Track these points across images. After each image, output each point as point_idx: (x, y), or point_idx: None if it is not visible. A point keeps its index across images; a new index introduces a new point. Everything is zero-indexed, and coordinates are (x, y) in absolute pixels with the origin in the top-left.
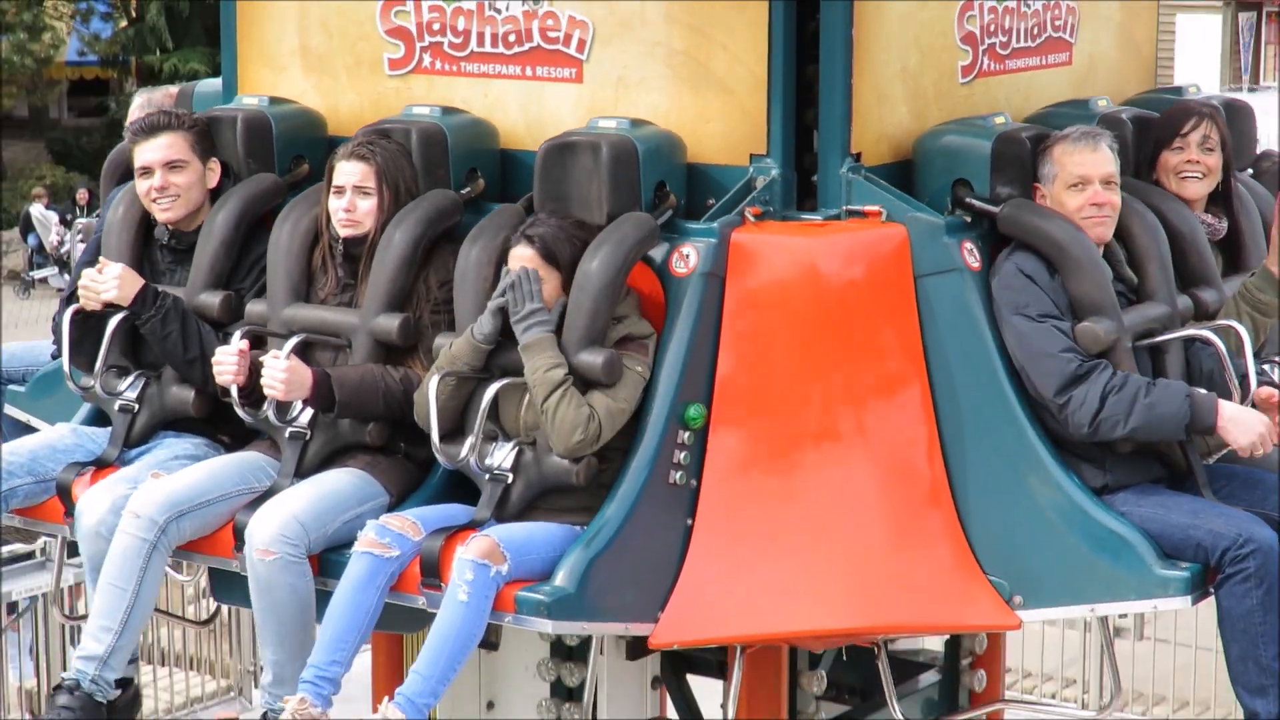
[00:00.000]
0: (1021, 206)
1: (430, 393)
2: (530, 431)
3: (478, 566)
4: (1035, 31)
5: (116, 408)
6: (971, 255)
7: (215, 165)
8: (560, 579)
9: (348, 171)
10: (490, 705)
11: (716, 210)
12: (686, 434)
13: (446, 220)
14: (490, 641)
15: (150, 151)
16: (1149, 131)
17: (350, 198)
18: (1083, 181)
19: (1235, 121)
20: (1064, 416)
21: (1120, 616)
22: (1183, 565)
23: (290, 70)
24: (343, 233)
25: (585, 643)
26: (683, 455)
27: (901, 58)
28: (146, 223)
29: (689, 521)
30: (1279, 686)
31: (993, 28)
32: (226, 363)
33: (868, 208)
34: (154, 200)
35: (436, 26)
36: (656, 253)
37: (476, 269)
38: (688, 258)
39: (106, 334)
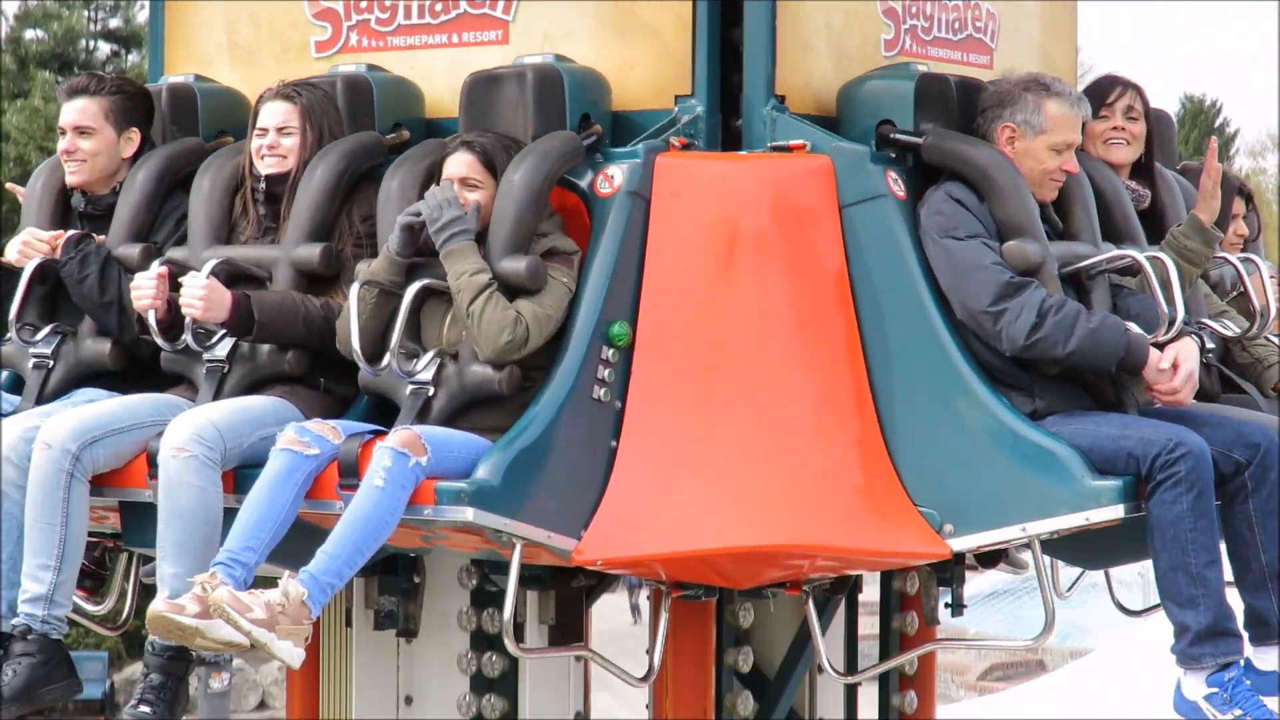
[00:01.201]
0: (945, 135)
1: (351, 299)
2: (453, 347)
3: (397, 455)
4: (957, 26)
5: (30, 365)
6: (896, 184)
7: (134, 135)
8: (482, 472)
9: (272, 111)
10: (409, 700)
11: (641, 139)
12: (611, 351)
13: (370, 159)
14: (409, 629)
15: (65, 114)
16: None
17: (274, 136)
18: (1068, 148)
19: (1159, 129)
20: (998, 329)
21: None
22: (1115, 477)
23: (216, 66)
24: (265, 170)
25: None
26: (607, 372)
27: (825, 14)
28: (66, 192)
29: (613, 444)
30: (1210, 595)
31: (914, 10)
32: (145, 287)
33: (792, 142)
34: (65, 162)
35: (364, 4)
36: (582, 180)
37: (400, 192)
38: (612, 178)
39: (21, 283)
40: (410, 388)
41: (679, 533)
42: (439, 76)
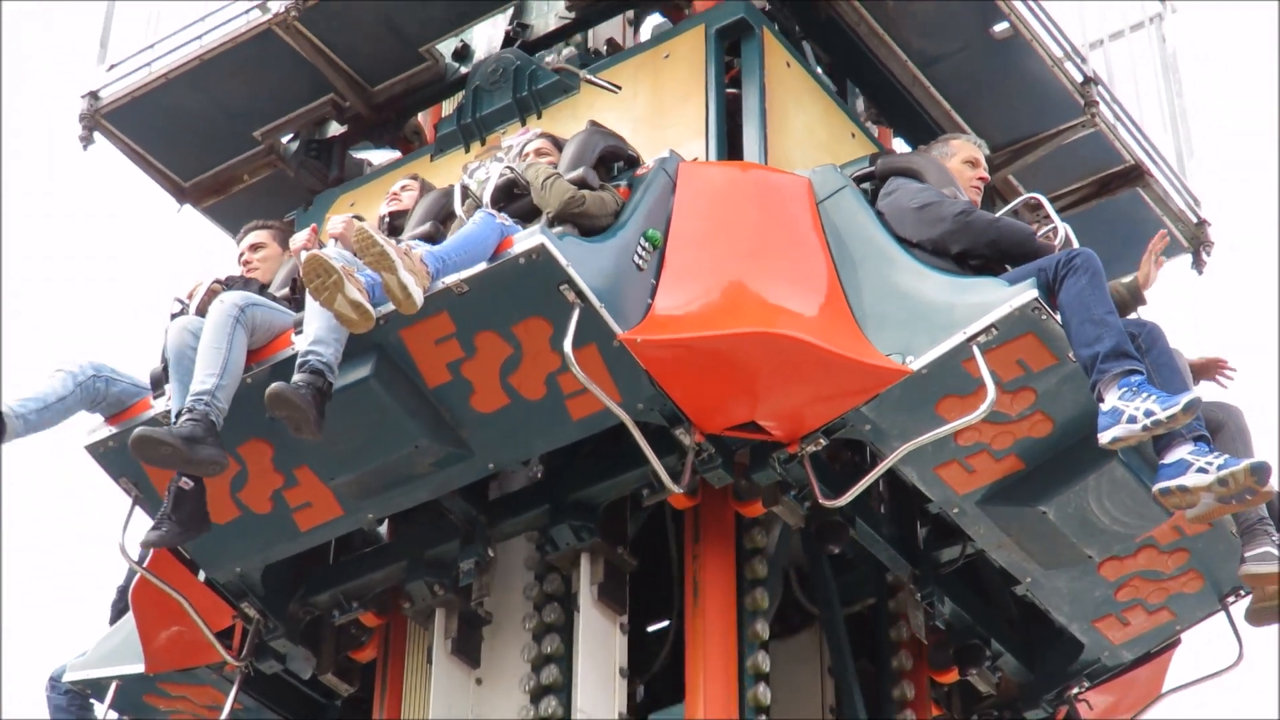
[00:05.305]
0: (889, 154)
1: (456, 193)
2: None
3: (486, 214)
4: None
5: None
6: (857, 185)
7: None
8: (554, 232)
9: (396, 179)
10: None
11: None
12: (648, 244)
13: None
14: (481, 598)
15: (244, 242)
16: None
17: (396, 188)
18: (975, 162)
19: None
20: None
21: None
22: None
23: None
24: (386, 209)
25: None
26: (645, 253)
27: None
28: None
29: (649, 301)
30: (1110, 330)
31: None
32: (299, 236)
33: None
34: (245, 272)
35: None
36: (623, 180)
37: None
38: (649, 166)
39: (195, 302)
40: None
41: (700, 326)
42: None
